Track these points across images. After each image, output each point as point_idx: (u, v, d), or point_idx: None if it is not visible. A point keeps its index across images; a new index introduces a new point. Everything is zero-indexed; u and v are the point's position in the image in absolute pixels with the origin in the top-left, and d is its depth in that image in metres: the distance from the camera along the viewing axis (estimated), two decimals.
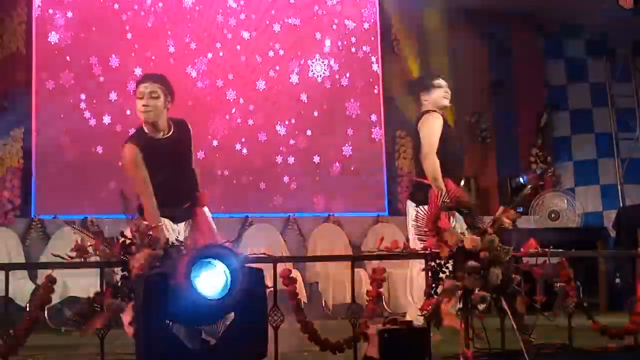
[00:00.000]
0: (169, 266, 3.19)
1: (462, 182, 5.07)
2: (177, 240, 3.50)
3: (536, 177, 8.49)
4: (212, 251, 3.22)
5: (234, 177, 7.72)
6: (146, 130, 4.30)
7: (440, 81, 5.24)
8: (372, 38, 8.34)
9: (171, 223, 4.23)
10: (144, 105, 4.21)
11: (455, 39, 8.29)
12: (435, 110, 5.12)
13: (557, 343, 3.90)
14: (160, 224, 3.96)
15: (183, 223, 4.32)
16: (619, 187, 8.51)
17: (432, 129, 5.00)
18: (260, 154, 7.84)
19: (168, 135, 4.31)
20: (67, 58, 7.36)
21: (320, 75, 8.09)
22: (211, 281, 3.11)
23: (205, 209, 4.43)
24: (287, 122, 7.96)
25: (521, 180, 8.07)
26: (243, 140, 7.81)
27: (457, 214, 4.78)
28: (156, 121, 4.26)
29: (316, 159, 7.97)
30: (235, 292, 3.10)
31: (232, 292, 3.09)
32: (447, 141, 5.01)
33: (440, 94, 5.18)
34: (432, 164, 4.86)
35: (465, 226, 3.83)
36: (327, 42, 8.15)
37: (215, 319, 3.15)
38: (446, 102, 5.22)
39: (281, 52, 8.00)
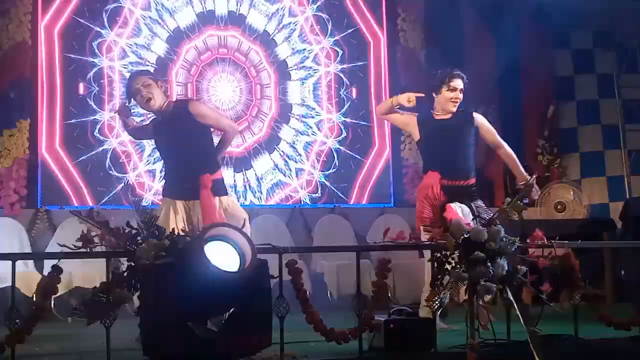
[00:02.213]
0: (177, 253, 3.22)
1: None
2: (187, 227, 3.51)
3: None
4: (223, 229, 3.25)
5: (239, 167, 7.72)
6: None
7: (458, 83, 5.02)
8: (378, 27, 8.31)
9: (175, 203, 4.50)
10: (142, 96, 4.58)
11: (462, 29, 8.26)
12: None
13: (563, 334, 3.89)
14: None
15: (185, 202, 4.55)
16: (625, 179, 8.48)
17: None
18: (264, 143, 7.84)
19: (169, 110, 4.65)
20: (74, 48, 7.36)
21: (324, 63, 8.09)
22: (223, 258, 3.15)
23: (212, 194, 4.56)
24: (293, 112, 7.97)
25: None
26: (248, 129, 7.82)
27: (463, 205, 4.82)
28: (156, 107, 4.62)
29: (322, 149, 7.97)
30: (248, 267, 3.11)
31: (244, 267, 3.10)
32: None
33: (448, 97, 4.99)
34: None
35: (471, 217, 3.84)
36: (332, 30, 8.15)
37: (231, 293, 3.16)
38: (452, 108, 5.00)
39: (288, 45, 8.02)
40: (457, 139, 5.01)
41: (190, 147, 4.59)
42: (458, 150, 5.00)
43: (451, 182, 4.86)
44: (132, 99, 4.74)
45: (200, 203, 4.47)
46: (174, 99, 4.90)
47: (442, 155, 4.96)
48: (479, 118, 5.16)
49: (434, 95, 5.07)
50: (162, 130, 4.67)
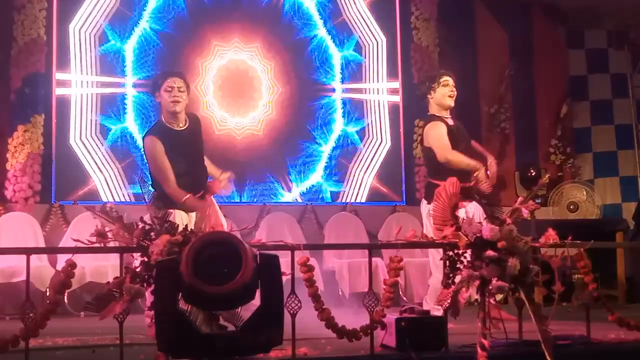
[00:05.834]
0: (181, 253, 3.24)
1: (476, 174, 5.11)
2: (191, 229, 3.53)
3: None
4: (217, 238, 3.24)
5: (251, 165, 7.73)
6: (165, 122, 4.75)
7: (448, 79, 5.26)
8: (391, 26, 8.30)
9: (182, 213, 4.53)
10: (174, 96, 4.66)
11: (475, 28, 8.26)
12: (435, 118, 5.21)
13: (575, 334, 3.88)
14: (187, 197, 4.52)
15: (194, 213, 4.69)
16: (638, 179, 8.44)
17: (437, 136, 5.14)
18: (276, 141, 7.85)
19: (185, 127, 4.77)
20: (89, 45, 7.39)
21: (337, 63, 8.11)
22: (217, 268, 3.14)
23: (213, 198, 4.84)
24: (302, 109, 7.99)
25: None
26: (260, 126, 7.83)
27: (476, 204, 4.83)
28: (180, 113, 4.71)
29: (333, 147, 7.98)
30: (242, 279, 3.08)
31: (237, 280, 3.08)
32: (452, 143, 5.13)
33: (444, 92, 5.22)
34: (455, 159, 5.03)
35: (484, 216, 3.83)
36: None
37: (223, 306, 3.16)
38: (450, 102, 5.25)
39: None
40: (466, 139, 5.27)
41: (202, 157, 4.87)
42: (466, 151, 5.24)
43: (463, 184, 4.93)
44: (155, 92, 4.79)
45: (209, 208, 4.68)
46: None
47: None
48: None
49: (429, 97, 5.30)
50: (183, 143, 4.71)
